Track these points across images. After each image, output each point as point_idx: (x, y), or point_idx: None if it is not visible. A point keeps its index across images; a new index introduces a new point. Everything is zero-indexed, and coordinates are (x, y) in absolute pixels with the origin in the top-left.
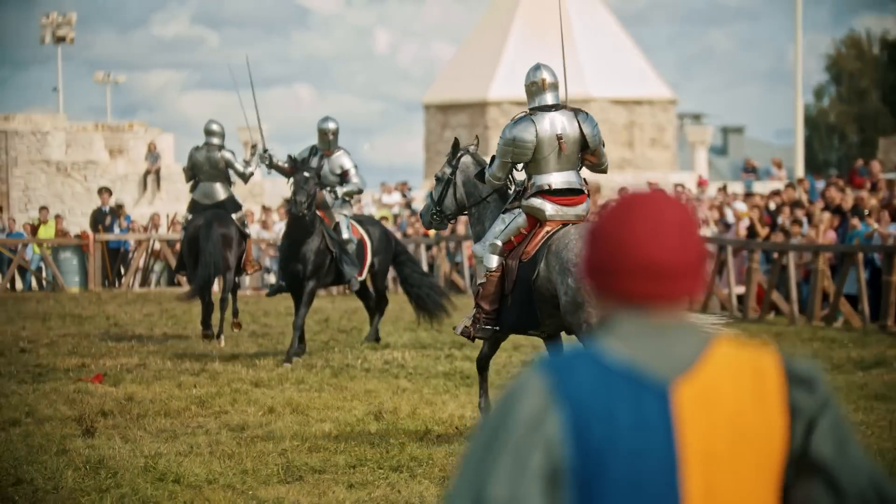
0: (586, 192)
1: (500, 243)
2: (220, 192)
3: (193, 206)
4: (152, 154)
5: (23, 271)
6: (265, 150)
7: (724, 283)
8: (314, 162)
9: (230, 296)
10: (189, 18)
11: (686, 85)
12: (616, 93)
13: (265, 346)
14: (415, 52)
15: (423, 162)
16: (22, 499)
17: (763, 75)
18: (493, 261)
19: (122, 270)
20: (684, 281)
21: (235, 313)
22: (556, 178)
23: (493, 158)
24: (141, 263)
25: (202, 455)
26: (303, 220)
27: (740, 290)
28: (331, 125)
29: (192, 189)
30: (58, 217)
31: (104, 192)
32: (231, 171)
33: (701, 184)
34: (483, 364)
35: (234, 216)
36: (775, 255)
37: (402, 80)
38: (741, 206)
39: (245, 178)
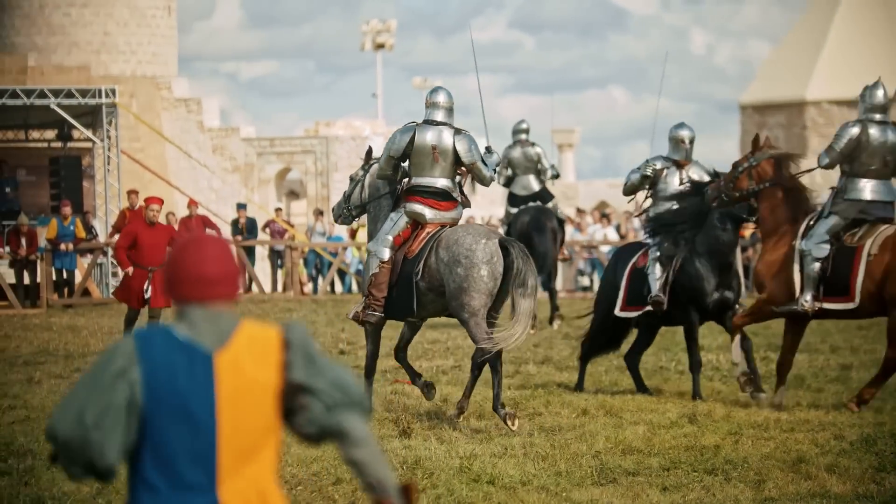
0: (459, 200)
1: (390, 238)
2: (535, 183)
3: (513, 199)
4: None
5: (342, 274)
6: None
7: None
8: (670, 175)
9: (550, 291)
10: (506, 23)
11: None
12: None
13: (578, 348)
14: (731, 51)
15: None
16: (342, 498)
17: None
18: (386, 253)
19: None
20: (223, 287)
21: (556, 307)
22: (428, 181)
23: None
24: None
25: (516, 457)
26: (727, 233)
27: None
28: (686, 132)
29: (508, 185)
30: None
31: None
32: (539, 166)
33: None
34: (371, 366)
35: (549, 205)
36: None
37: (718, 81)
38: None
39: (554, 175)
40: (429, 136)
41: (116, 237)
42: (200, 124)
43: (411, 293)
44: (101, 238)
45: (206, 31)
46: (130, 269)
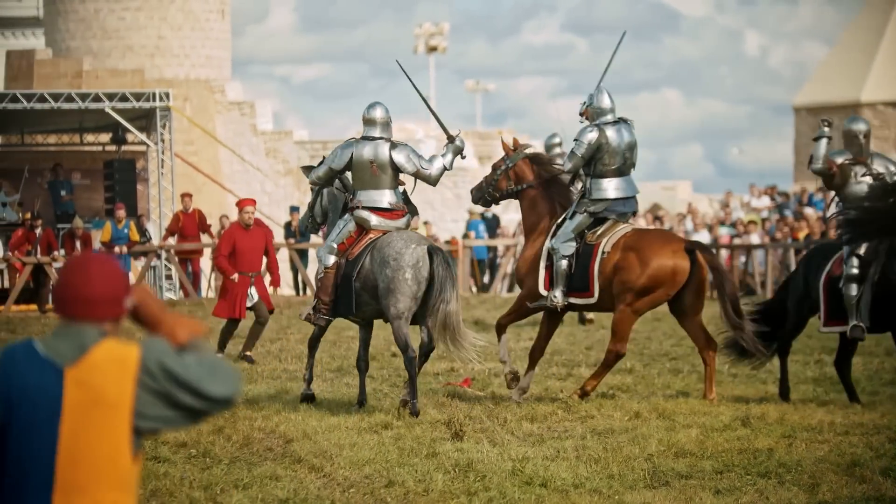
0: (403, 209)
1: (335, 245)
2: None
3: None
4: None
5: None
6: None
7: None
8: (858, 173)
9: None
10: (559, 26)
11: None
12: None
13: (631, 351)
14: (785, 53)
15: (792, 165)
16: (394, 500)
17: None
18: (330, 259)
19: (490, 276)
20: (105, 307)
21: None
22: (373, 196)
23: (320, 163)
24: (509, 269)
25: (569, 459)
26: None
27: None
28: (861, 126)
29: None
30: (426, 223)
31: None
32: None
33: None
34: (314, 343)
35: None
36: None
37: (772, 83)
38: None
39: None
40: (366, 152)
41: (171, 240)
42: (254, 127)
43: (350, 293)
44: (155, 241)
45: (259, 35)
46: (236, 276)
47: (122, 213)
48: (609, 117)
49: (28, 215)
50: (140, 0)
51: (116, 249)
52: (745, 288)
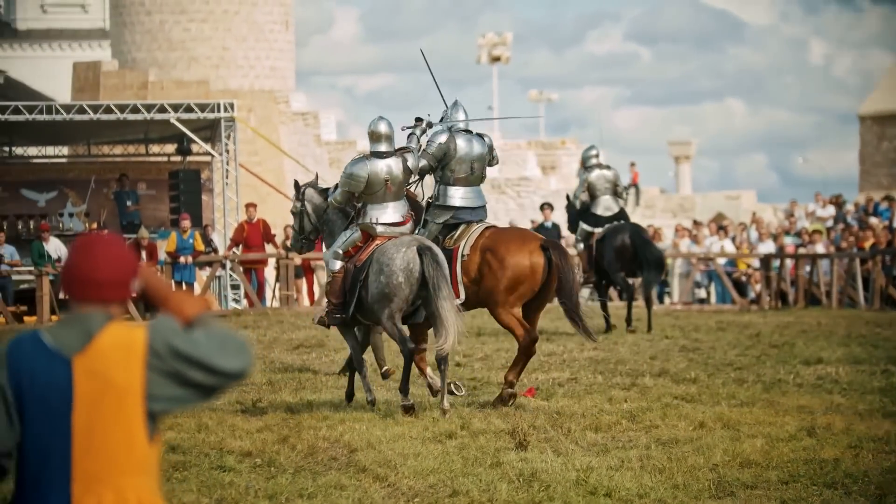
0: (410, 217)
1: (341, 251)
2: (614, 204)
3: (595, 220)
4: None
5: None
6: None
7: None
8: None
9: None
10: (622, 35)
11: None
12: None
13: (696, 360)
14: (851, 62)
15: (857, 175)
16: None
17: None
18: (336, 265)
19: None
20: (112, 290)
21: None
22: (383, 212)
23: (335, 186)
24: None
25: (633, 469)
26: None
27: None
28: None
29: (586, 208)
30: None
31: (546, 207)
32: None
33: None
34: (359, 365)
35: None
36: None
37: (838, 92)
38: None
39: (632, 200)
40: (381, 171)
41: (236, 250)
42: (317, 138)
43: (360, 299)
44: (220, 251)
45: (323, 46)
46: None
47: (187, 223)
48: (461, 126)
49: (94, 225)
50: (205, 12)
51: (182, 259)
52: (810, 298)
